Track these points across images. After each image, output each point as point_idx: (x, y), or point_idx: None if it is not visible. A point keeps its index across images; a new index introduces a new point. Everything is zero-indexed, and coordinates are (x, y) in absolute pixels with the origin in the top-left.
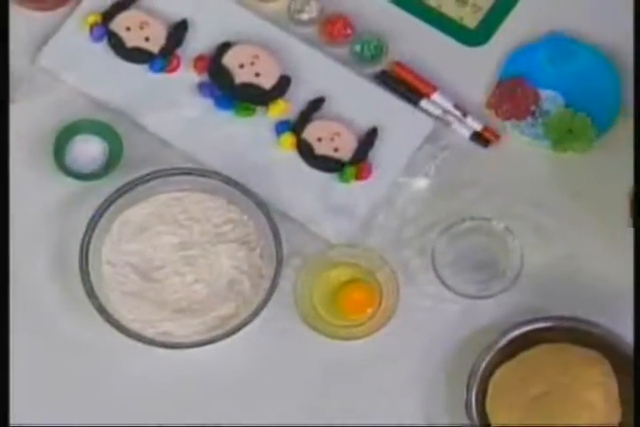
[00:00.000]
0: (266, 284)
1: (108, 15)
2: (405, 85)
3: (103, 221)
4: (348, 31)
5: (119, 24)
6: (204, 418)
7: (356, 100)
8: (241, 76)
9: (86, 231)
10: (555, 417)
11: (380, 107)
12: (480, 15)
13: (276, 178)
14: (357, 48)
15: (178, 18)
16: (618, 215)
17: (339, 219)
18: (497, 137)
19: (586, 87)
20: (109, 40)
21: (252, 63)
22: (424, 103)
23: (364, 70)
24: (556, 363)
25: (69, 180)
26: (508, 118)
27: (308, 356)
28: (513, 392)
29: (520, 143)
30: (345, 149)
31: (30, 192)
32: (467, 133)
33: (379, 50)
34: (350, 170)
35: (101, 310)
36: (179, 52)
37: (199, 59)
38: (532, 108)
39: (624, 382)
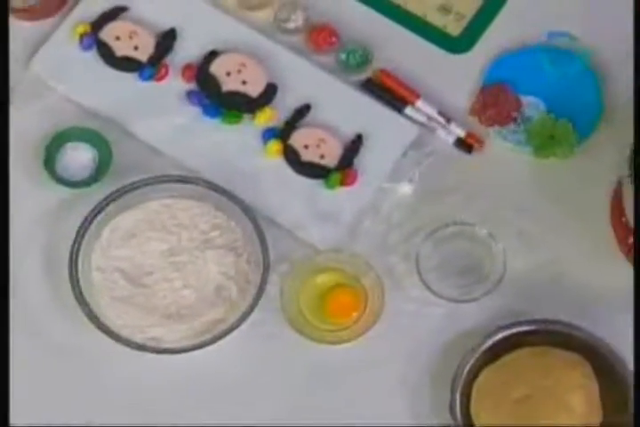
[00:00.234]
0: (253, 289)
1: (98, 25)
2: (390, 93)
3: (93, 227)
4: (334, 40)
5: (108, 33)
6: (193, 422)
7: (342, 107)
8: (228, 84)
9: (76, 238)
10: (537, 419)
11: (366, 114)
12: (463, 23)
13: (263, 184)
14: (343, 56)
15: (166, 27)
16: (599, 220)
17: (325, 225)
18: (480, 143)
19: (567, 94)
20: (99, 49)
21: (239, 71)
22: (409, 110)
23: (349, 78)
24: (538, 366)
25: (59, 187)
26: (491, 125)
27: (295, 360)
28: (496, 395)
29: (503, 149)
30: (331, 155)
31: (20, 199)
32: (450, 140)
33: (364, 58)
34: (336, 176)
35: (91, 316)
36: (167, 60)
37: (187, 67)
38: (515, 114)
39: (605, 384)
